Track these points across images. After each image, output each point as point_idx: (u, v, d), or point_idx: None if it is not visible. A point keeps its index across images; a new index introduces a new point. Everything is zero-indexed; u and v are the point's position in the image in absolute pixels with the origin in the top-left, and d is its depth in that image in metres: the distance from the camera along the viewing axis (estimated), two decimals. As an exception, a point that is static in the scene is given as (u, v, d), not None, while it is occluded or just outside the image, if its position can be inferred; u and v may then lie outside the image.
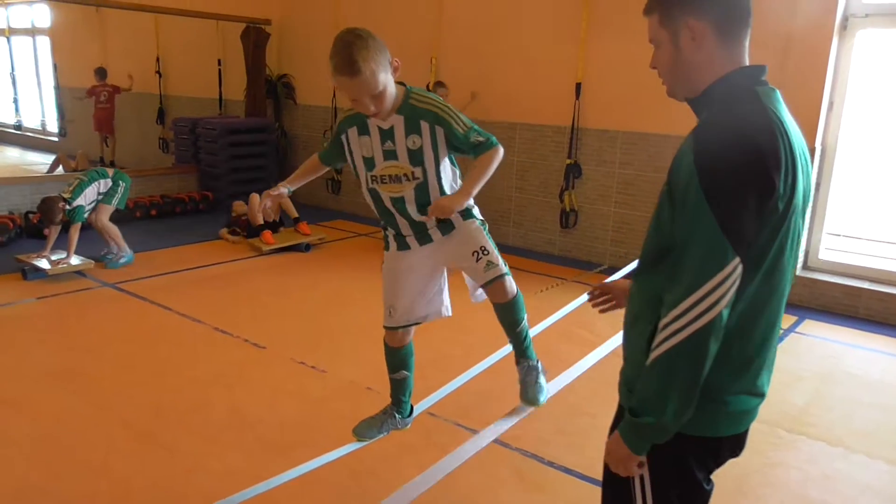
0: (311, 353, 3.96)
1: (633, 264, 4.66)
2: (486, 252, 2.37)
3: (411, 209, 2.31)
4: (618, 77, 5.78)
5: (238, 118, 8.28)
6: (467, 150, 2.27)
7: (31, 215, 6.20)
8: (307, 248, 6.24)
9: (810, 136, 5.06)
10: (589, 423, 3.31)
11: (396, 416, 2.64)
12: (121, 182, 5.49)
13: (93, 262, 5.32)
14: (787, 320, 4.88)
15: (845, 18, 4.94)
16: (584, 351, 4.17)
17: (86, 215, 5.24)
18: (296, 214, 6.48)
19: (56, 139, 11.28)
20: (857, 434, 3.32)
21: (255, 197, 6.36)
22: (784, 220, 1.33)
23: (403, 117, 2.22)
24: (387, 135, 2.24)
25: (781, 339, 4.55)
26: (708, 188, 1.26)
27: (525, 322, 2.52)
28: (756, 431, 3.26)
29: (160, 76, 9.77)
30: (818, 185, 5.21)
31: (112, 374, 3.64)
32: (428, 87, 6.91)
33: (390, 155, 2.25)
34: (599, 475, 2.82)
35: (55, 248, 5.19)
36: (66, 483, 2.69)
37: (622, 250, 5.97)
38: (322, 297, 5.07)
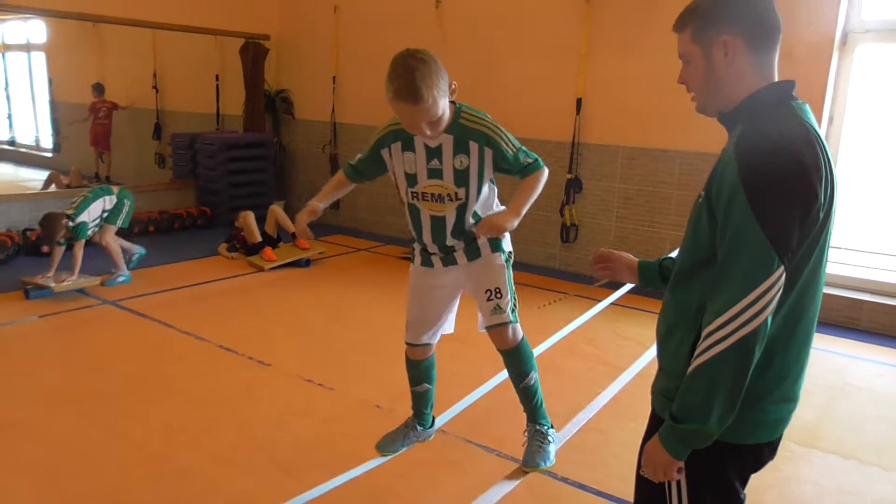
0: (318, 371, 3.93)
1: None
2: (499, 295, 2.35)
3: (448, 230, 2.29)
4: (618, 93, 5.82)
5: (236, 133, 8.27)
6: (515, 171, 2.25)
7: (28, 233, 6.15)
8: (307, 263, 6.22)
9: (811, 149, 5.09)
10: (599, 438, 3.29)
11: (418, 427, 2.62)
12: (126, 200, 5.47)
13: (98, 279, 5.27)
14: (791, 333, 4.89)
15: (845, 34, 4.99)
16: (590, 366, 4.21)
17: (89, 233, 5.20)
18: (293, 230, 6.44)
19: (50, 155, 11.22)
20: (869, 447, 3.32)
21: (249, 215, 6.33)
22: (823, 229, 1.38)
23: (453, 137, 2.18)
24: (433, 153, 2.20)
25: (787, 352, 4.56)
26: (754, 201, 1.30)
27: (534, 379, 2.46)
28: (772, 446, 3.26)
29: (157, 91, 9.75)
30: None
31: (119, 394, 3.60)
32: (428, 102, 6.94)
33: (435, 174, 2.22)
34: (613, 490, 2.85)
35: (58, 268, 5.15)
36: (76, 506, 2.65)
37: (611, 279, 5.96)
38: (325, 313, 5.04)
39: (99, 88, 9.38)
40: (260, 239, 6.23)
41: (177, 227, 7.43)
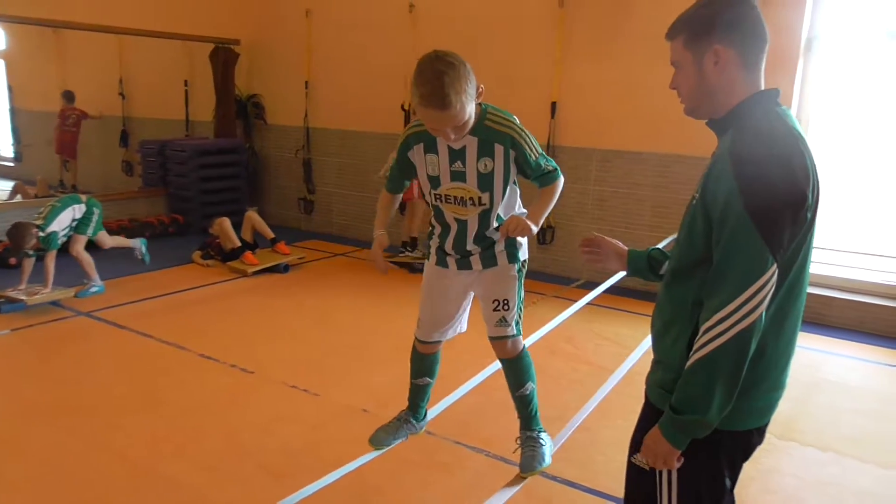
0: (302, 377, 3.91)
1: (616, 277, 4.75)
2: (506, 307, 2.35)
3: (470, 236, 2.27)
4: (592, 96, 5.90)
5: (207, 139, 8.17)
6: (534, 177, 2.23)
7: (-4, 244, 6.00)
8: (286, 268, 6.18)
9: (780, 150, 5.23)
10: (586, 436, 3.33)
11: (412, 421, 2.62)
12: (95, 209, 5.37)
13: (71, 291, 5.17)
14: (764, 330, 5.01)
15: (809, 40, 5.14)
16: (571, 366, 4.26)
17: (60, 242, 5.09)
18: (272, 235, 6.41)
19: (11, 164, 10.96)
20: (846, 440, 3.41)
21: (225, 221, 6.27)
22: (810, 228, 1.47)
23: (477, 139, 2.13)
24: (457, 155, 2.16)
25: (761, 348, 4.67)
26: (750, 205, 1.37)
27: (531, 388, 2.48)
28: (752, 440, 3.32)
29: (123, 98, 9.60)
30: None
31: (99, 406, 3.54)
32: (403, 106, 6.95)
33: (458, 176, 2.18)
34: (603, 487, 2.89)
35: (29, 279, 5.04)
36: (63, 520, 2.60)
37: (598, 265, 6.04)
38: (306, 318, 5.01)
39: (69, 96, 9.22)
40: (238, 244, 6.17)
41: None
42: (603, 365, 4.20)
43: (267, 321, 4.93)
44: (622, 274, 4.96)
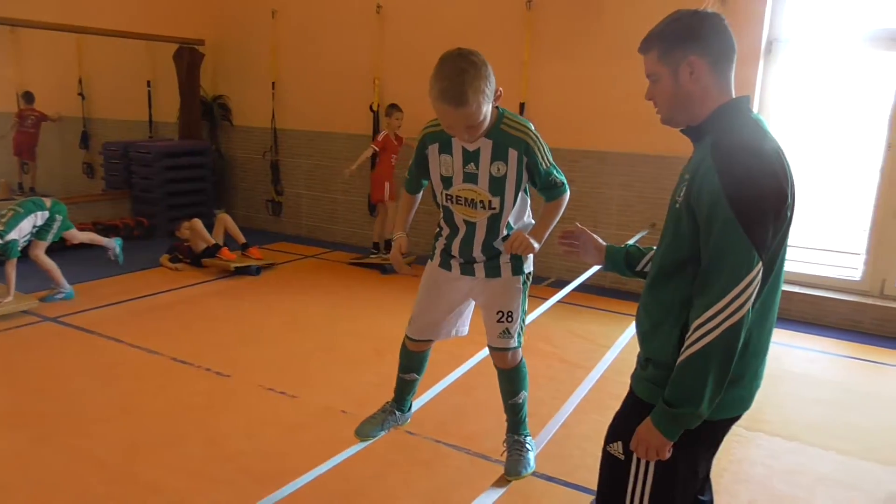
0: (279, 379, 3.90)
1: (589, 273, 4.82)
2: (509, 319, 2.35)
3: (478, 240, 2.26)
4: (560, 97, 5.99)
5: (173, 141, 8.06)
6: (541, 187, 2.23)
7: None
8: (258, 271, 6.14)
9: (741, 150, 5.38)
10: (562, 432, 3.38)
11: (397, 412, 2.64)
12: (58, 215, 5.26)
13: (35, 300, 5.06)
14: (729, 325, 5.15)
15: (770, 42, 5.31)
16: (548, 363, 4.33)
17: (20, 249, 4.97)
18: (244, 240, 6.37)
19: (-34, 166, 10.65)
20: (809, 429, 3.55)
21: (197, 222, 6.21)
22: (789, 226, 1.56)
23: (492, 142, 2.14)
24: (471, 157, 2.16)
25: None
26: (736, 207, 1.46)
27: (523, 397, 2.52)
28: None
29: (83, 98, 9.40)
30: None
31: (73, 413, 3.48)
32: (372, 107, 6.96)
33: (470, 178, 2.18)
34: (579, 480, 2.96)
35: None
36: (42, 529, 2.57)
37: (568, 264, 6.15)
38: (279, 320, 5.00)
39: (28, 97, 9.01)
40: (213, 242, 6.13)
41: (112, 238, 7.17)
42: (577, 362, 4.28)
43: (240, 324, 4.90)
44: (593, 270, 5.06)
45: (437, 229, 2.40)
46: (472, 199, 2.21)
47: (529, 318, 4.09)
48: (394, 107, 6.22)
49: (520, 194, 2.24)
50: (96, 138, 9.12)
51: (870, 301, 5.20)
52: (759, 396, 3.69)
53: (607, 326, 5.02)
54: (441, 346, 3.81)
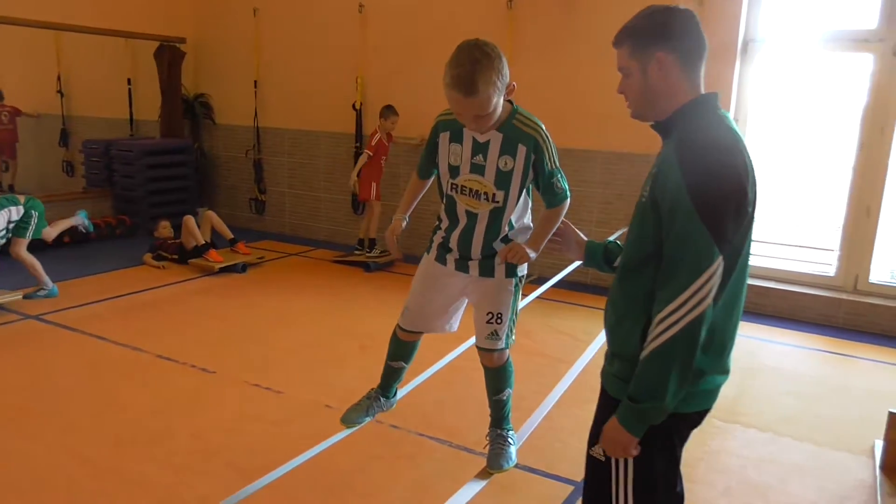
0: (264, 375, 3.94)
1: (570, 269, 4.91)
2: (499, 321, 2.39)
3: (478, 234, 2.28)
4: (541, 95, 6.06)
5: (154, 139, 8.04)
6: (543, 189, 2.25)
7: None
8: (244, 268, 6.16)
9: (719, 149, 5.49)
10: (544, 425, 3.43)
11: (381, 399, 2.68)
12: (33, 211, 5.23)
13: (19, 293, 5.04)
14: (707, 320, 5.26)
15: (746, 42, 5.42)
16: (529, 358, 4.40)
17: None
18: (231, 236, 6.39)
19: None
20: (782, 420, 3.65)
21: (190, 219, 6.23)
22: (751, 222, 1.57)
23: (502, 136, 2.17)
24: (480, 148, 2.19)
25: (704, 337, 4.91)
26: (697, 201, 1.47)
27: (508, 394, 2.58)
28: (697, 422, 3.52)
29: (62, 95, 9.32)
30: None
31: (59, 409, 3.50)
32: (354, 106, 6.99)
33: (477, 169, 2.21)
34: (562, 472, 3.03)
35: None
36: (30, 524, 2.59)
37: (550, 261, 6.22)
38: (264, 317, 5.02)
39: (-2, 93, 8.92)
40: (203, 241, 6.14)
41: (94, 238, 7.15)
42: (559, 357, 4.36)
43: (224, 321, 4.92)
44: (573, 267, 5.14)
45: (437, 222, 2.42)
46: (477, 191, 2.23)
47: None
48: (389, 109, 6.23)
49: (523, 193, 2.27)
50: (76, 136, 9.05)
51: (843, 296, 5.33)
52: (735, 390, 3.80)
53: (588, 322, 5.10)
54: (425, 340, 3.87)
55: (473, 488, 2.43)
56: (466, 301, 2.54)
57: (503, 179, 2.21)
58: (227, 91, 8.00)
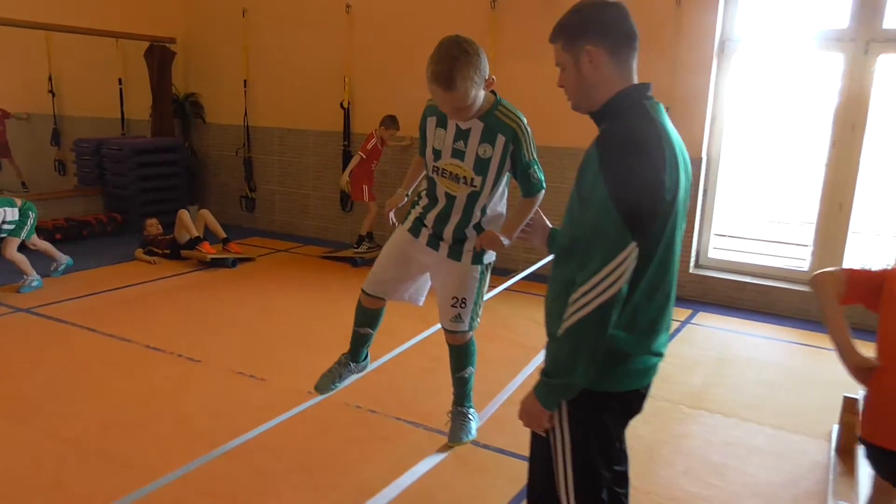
0: (249, 364, 4.06)
1: (546, 260, 5.07)
2: (463, 305, 2.52)
3: (454, 216, 2.41)
4: (525, 94, 6.17)
5: (145, 138, 8.14)
6: (520, 178, 2.39)
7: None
8: (234, 263, 6.28)
9: (696, 147, 5.63)
10: (514, 409, 3.58)
11: (351, 364, 2.82)
12: (30, 213, 5.40)
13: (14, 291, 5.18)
14: (682, 313, 5.40)
15: (723, 42, 5.56)
16: (506, 348, 4.54)
17: None
18: (224, 235, 6.51)
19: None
20: (747, 406, 3.79)
21: (184, 213, 6.36)
22: (672, 211, 1.62)
23: (484, 125, 2.31)
24: (462, 135, 2.33)
25: (679, 330, 5.05)
26: (611, 188, 1.53)
27: (469, 372, 2.71)
28: (663, 409, 3.70)
29: (53, 95, 9.42)
30: (705, 190, 5.80)
31: (48, 396, 3.61)
32: (342, 105, 7.12)
33: (458, 154, 2.35)
34: (522, 451, 3.13)
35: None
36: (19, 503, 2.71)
37: (533, 256, 6.36)
38: (252, 311, 5.14)
39: (-15, 96, 9.02)
40: (196, 234, 6.28)
41: (86, 235, 7.26)
42: (534, 346, 4.48)
43: (212, 314, 5.04)
44: (549, 258, 5.30)
45: (416, 199, 2.56)
46: (457, 175, 2.37)
47: (491, 308, 4.32)
48: (393, 121, 6.33)
49: (500, 181, 2.40)
50: (67, 135, 9.15)
51: (816, 290, 5.46)
52: (705, 378, 3.94)
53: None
54: (408, 330, 4.00)
55: (434, 460, 2.55)
56: (430, 281, 2.66)
57: (481, 166, 2.35)
58: (217, 91, 8.12)
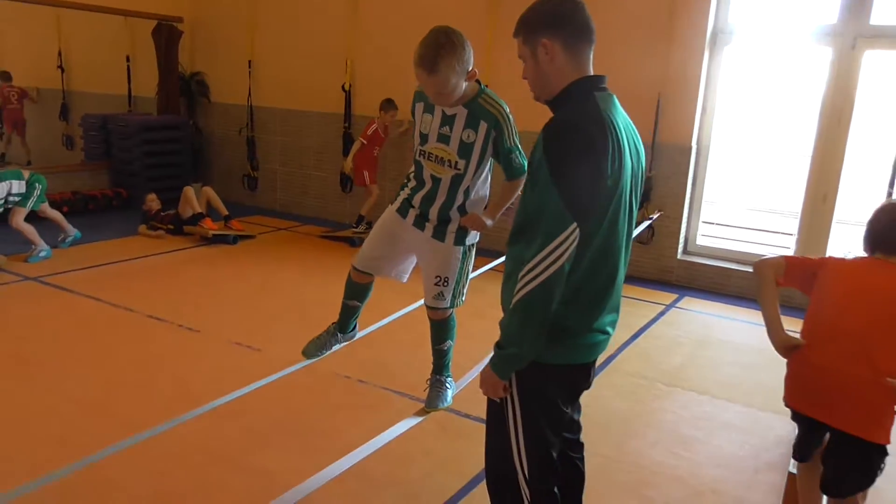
0: (245, 335, 4.25)
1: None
2: (445, 284, 2.68)
3: (440, 197, 2.56)
4: (520, 81, 6.32)
5: (151, 115, 8.29)
6: (502, 163, 2.53)
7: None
8: (235, 240, 6.46)
9: (686, 136, 5.77)
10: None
11: (339, 334, 3.00)
12: (37, 184, 5.58)
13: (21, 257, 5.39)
14: (668, 297, 5.57)
15: (714, 34, 5.67)
16: (490, 324, 4.66)
17: None
18: (226, 212, 6.68)
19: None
20: (721, 385, 3.97)
21: (189, 189, 6.53)
22: (614, 194, 1.70)
23: (468, 112, 2.44)
24: (447, 120, 2.48)
25: (663, 313, 5.22)
26: (553, 170, 1.65)
27: (448, 345, 2.88)
28: (640, 385, 3.88)
29: (63, 71, 9.57)
30: (695, 178, 5.94)
31: (53, 359, 3.81)
32: (344, 87, 7.25)
33: (443, 139, 2.49)
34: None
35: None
36: (26, 454, 2.90)
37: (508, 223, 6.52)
38: (251, 286, 5.32)
39: (5, 76, 9.24)
40: (199, 210, 6.46)
41: (91, 209, 7.44)
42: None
43: (213, 288, 5.23)
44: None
45: (405, 181, 2.71)
46: (442, 158, 2.52)
47: (481, 288, 4.47)
48: (390, 103, 6.48)
49: (483, 165, 2.54)
50: (76, 111, 9.32)
51: (799, 278, 5.61)
52: (683, 359, 4.11)
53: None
54: (394, 305, 4.16)
55: (410, 423, 2.74)
56: (415, 260, 2.83)
57: (465, 150, 2.50)
58: (222, 70, 8.25)
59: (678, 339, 4.68)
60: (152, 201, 6.82)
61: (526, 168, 2.61)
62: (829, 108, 5.37)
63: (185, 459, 2.97)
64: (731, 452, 3.24)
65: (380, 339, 4.15)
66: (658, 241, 5.99)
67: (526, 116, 6.37)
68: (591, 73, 1.81)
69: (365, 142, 6.50)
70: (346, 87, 7.25)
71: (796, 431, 2.45)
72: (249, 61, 7.90)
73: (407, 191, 2.70)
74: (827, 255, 2.44)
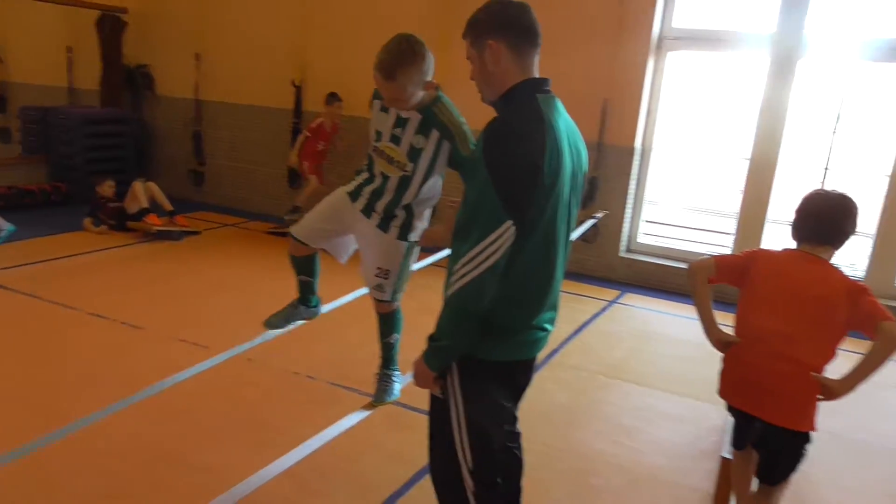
0: (191, 332, 4.20)
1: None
2: (385, 276, 2.71)
3: (388, 193, 2.60)
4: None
5: (93, 108, 8.08)
6: (462, 172, 2.51)
7: None
8: (180, 236, 6.35)
9: (630, 138, 5.93)
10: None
11: (301, 308, 3.01)
12: None
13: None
14: (610, 294, 5.73)
15: (660, 40, 5.84)
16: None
17: None
18: (170, 208, 6.55)
19: None
20: (660, 377, 4.12)
21: (138, 184, 6.39)
22: (552, 194, 1.74)
23: (420, 118, 2.47)
24: (400, 123, 2.50)
25: (605, 309, 5.37)
26: (491, 170, 1.69)
27: (395, 339, 2.92)
28: (582, 378, 3.99)
29: (0, 61, 9.25)
30: (638, 179, 6.11)
31: (-11, 356, 3.71)
32: (294, 82, 7.21)
33: (395, 139, 2.52)
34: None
35: None
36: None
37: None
38: (196, 282, 5.26)
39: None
40: (146, 206, 6.33)
41: (28, 203, 7.20)
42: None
43: (157, 285, 5.14)
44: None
45: (361, 169, 2.73)
46: (392, 157, 2.55)
47: (431, 284, 4.51)
48: (333, 96, 6.46)
49: (433, 172, 2.57)
50: (13, 102, 9.01)
51: (735, 275, 5.84)
52: (624, 353, 4.25)
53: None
54: (362, 310, 4.18)
55: (358, 416, 2.78)
56: (355, 244, 2.86)
57: (414, 154, 2.54)
58: (168, 63, 8.09)
59: (620, 333, 4.83)
60: (109, 188, 6.58)
61: None
62: (765, 116, 5.59)
63: (132, 457, 2.94)
64: (671, 440, 3.38)
65: (329, 335, 4.18)
66: (602, 240, 6.15)
67: (478, 117, 6.47)
68: (536, 75, 1.86)
69: (309, 134, 6.49)
70: (297, 83, 7.20)
71: (732, 421, 2.57)
72: (197, 54, 7.78)
73: (360, 180, 2.73)
74: (757, 249, 2.56)
